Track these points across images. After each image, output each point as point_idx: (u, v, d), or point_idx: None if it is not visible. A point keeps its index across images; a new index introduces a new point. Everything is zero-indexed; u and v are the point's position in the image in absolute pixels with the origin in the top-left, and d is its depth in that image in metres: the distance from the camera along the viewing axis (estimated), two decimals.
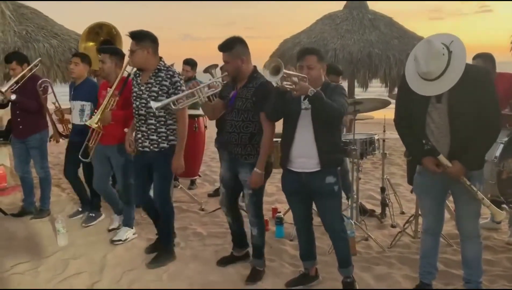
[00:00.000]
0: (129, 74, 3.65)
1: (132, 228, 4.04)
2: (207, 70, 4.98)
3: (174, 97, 3.07)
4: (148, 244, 3.79)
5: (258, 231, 3.20)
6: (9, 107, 4.55)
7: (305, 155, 2.78)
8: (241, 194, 3.46)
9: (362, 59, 7.21)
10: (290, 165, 2.87)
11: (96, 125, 3.54)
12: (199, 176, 5.94)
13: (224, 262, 3.44)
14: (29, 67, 4.37)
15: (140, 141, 3.36)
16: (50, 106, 4.52)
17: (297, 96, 2.68)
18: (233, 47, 2.98)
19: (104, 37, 4.49)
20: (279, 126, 3.00)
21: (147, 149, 3.34)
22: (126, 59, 3.63)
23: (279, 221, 3.96)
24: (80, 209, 4.57)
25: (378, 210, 4.54)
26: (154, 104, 2.98)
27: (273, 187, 5.67)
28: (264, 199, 5.01)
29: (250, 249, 3.44)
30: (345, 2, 8.44)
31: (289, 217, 4.21)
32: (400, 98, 2.85)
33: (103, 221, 4.42)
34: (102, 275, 3.27)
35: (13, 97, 4.20)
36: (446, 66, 2.43)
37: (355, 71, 7.29)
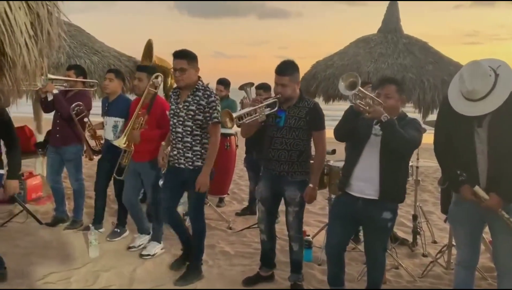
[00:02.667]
0: (155, 93, 3.76)
1: (160, 243, 4.10)
2: (242, 88, 5.07)
3: (242, 111, 3.12)
4: (173, 260, 3.82)
5: (299, 247, 3.33)
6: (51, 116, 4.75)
7: (366, 180, 2.79)
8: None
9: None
10: (349, 188, 2.88)
11: (124, 145, 3.63)
12: (228, 194, 5.98)
13: (250, 282, 3.44)
14: (84, 80, 4.61)
15: (176, 157, 3.44)
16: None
17: (369, 119, 2.70)
18: (294, 72, 3.13)
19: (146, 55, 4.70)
20: None
21: (182, 166, 3.41)
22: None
23: (308, 245, 3.93)
24: (117, 231, 4.48)
25: (409, 238, 4.44)
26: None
27: None
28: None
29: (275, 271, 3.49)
30: (379, 25, 8.42)
31: (317, 241, 4.19)
32: (440, 123, 2.81)
33: (134, 235, 4.48)
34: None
35: (55, 91, 4.37)
36: (491, 87, 2.41)
37: None
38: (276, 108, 3.12)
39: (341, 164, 3.81)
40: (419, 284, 3.48)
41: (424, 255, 4.10)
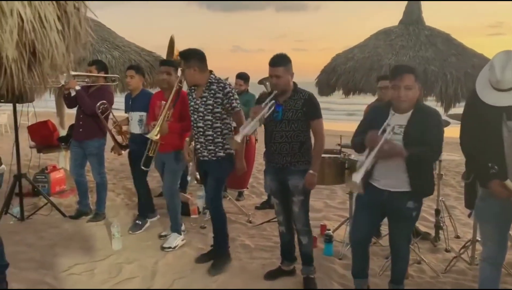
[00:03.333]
0: (180, 87, 3.81)
1: (181, 235, 4.14)
2: (261, 82, 5.07)
3: (247, 130, 3.05)
4: (198, 253, 3.87)
5: (308, 240, 3.31)
6: (74, 111, 4.83)
7: (391, 176, 2.77)
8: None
9: (417, 76, 7.01)
10: (373, 181, 2.87)
11: (157, 138, 3.67)
12: (247, 188, 5.99)
13: (272, 275, 3.45)
14: (106, 75, 4.68)
15: (199, 151, 3.54)
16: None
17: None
18: (287, 63, 3.14)
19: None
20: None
21: (206, 158, 3.52)
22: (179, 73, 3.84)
23: (329, 239, 3.91)
24: (139, 223, 4.53)
25: (431, 233, 4.38)
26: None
27: (321, 203, 5.62)
28: (311, 215, 5.02)
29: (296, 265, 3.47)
30: (400, 17, 8.28)
31: (338, 235, 4.17)
32: (468, 115, 2.74)
33: (154, 227, 4.55)
34: (154, 281, 3.36)
35: (77, 87, 4.45)
36: None
37: None
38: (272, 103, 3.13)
39: (362, 158, 3.78)
40: (442, 280, 3.43)
41: (447, 250, 4.03)
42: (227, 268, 3.54)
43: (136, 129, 4.40)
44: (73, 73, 4.37)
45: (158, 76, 3.95)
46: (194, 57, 3.40)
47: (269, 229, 4.59)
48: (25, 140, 6.15)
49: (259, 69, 5.85)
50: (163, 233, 4.30)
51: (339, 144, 4.19)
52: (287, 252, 3.51)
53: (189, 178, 3.81)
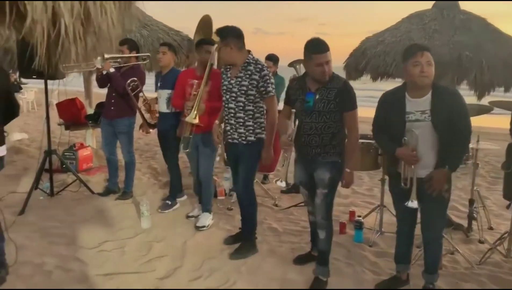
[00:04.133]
0: (211, 64, 3.74)
1: (211, 214, 4.15)
2: (291, 65, 4.97)
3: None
4: (226, 235, 3.86)
5: (326, 235, 3.05)
6: (101, 90, 4.84)
7: (423, 166, 2.70)
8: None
9: (451, 61, 6.77)
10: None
11: (196, 121, 3.62)
12: (273, 170, 5.93)
13: (301, 260, 3.40)
14: (137, 55, 4.66)
15: (229, 133, 3.45)
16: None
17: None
18: (329, 48, 2.91)
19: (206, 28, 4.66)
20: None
21: (236, 141, 3.42)
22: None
23: (359, 226, 3.84)
24: (169, 203, 4.54)
25: (463, 223, 4.27)
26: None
27: (348, 190, 5.50)
28: (339, 201, 4.97)
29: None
30: (434, 1, 7.99)
31: (367, 222, 4.10)
32: None
33: (182, 207, 4.56)
34: (183, 261, 3.36)
35: (112, 70, 4.44)
36: None
37: (442, 74, 6.88)
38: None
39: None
40: (477, 271, 3.33)
41: (480, 242, 3.92)
42: (249, 255, 3.46)
43: (163, 108, 4.37)
44: (107, 56, 4.34)
45: (202, 55, 3.84)
46: (232, 34, 3.28)
47: (296, 213, 4.55)
48: (53, 117, 6.21)
49: (281, 52, 5.76)
50: (190, 214, 4.31)
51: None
52: (317, 238, 3.44)
53: (217, 158, 3.76)
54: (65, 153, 5.81)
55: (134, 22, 6.33)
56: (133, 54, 4.62)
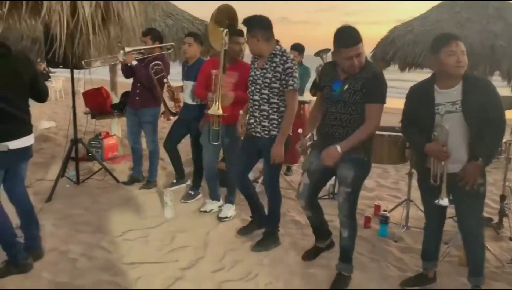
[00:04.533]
0: (225, 51, 3.60)
1: (233, 205, 4.14)
2: (318, 54, 4.85)
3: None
4: (241, 226, 3.83)
5: (349, 233, 2.91)
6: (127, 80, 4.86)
7: (454, 161, 2.59)
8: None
9: (483, 51, 6.52)
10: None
11: (220, 112, 3.54)
12: (297, 162, 5.87)
13: (310, 256, 3.31)
14: (160, 45, 4.64)
15: (252, 126, 3.38)
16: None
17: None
18: (361, 37, 2.72)
19: (227, 19, 4.57)
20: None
21: (258, 135, 3.35)
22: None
23: (385, 220, 3.75)
24: (174, 181, 4.71)
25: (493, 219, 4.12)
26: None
27: (373, 183, 5.43)
28: (363, 194, 4.87)
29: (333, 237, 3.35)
30: None
31: (393, 217, 4.00)
32: None
33: (207, 198, 4.55)
34: (206, 251, 3.36)
35: (134, 62, 4.43)
36: None
37: (473, 64, 6.64)
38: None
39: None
40: (508, 270, 3.22)
41: (511, 239, 3.78)
42: (271, 248, 3.43)
43: (188, 99, 4.36)
44: (127, 49, 4.31)
45: (234, 46, 3.79)
46: (259, 25, 3.19)
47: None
48: (79, 106, 6.30)
49: (306, 41, 5.63)
50: (201, 209, 4.24)
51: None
52: (320, 231, 3.32)
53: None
54: (91, 142, 5.89)
55: (158, 11, 6.33)
56: (156, 45, 4.60)
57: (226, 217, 3.97)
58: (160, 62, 4.51)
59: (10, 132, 2.79)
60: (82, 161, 5.40)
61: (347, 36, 2.67)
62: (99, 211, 4.11)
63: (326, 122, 2.87)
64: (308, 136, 3.00)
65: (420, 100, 2.69)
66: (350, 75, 2.76)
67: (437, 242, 2.94)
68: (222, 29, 4.52)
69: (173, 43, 5.02)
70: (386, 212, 3.83)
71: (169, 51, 4.80)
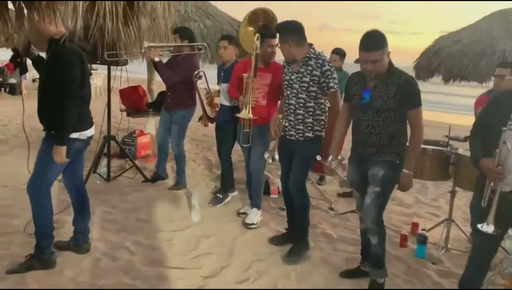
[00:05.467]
0: (257, 55, 3.53)
1: (260, 211, 4.00)
2: (358, 61, 4.66)
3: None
4: (274, 235, 3.70)
5: (378, 240, 2.87)
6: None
7: (508, 180, 2.30)
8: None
9: None
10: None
11: (250, 116, 3.51)
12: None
13: (350, 275, 3.13)
14: (189, 44, 4.55)
15: (287, 129, 3.30)
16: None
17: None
18: (384, 43, 2.65)
19: (262, 22, 4.45)
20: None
21: (293, 138, 3.27)
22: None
23: (423, 240, 3.50)
24: (220, 196, 4.43)
25: None
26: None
27: (411, 198, 5.15)
28: (401, 210, 4.61)
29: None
30: None
31: (431, 236, 3.73)
32: None
33: (233, 202, 4.44)
34: (231, 260, 3.23)
35: (157, 59, 4.37)
36: None
37: None
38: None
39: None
40: None
41: None
42: (304, 257, 3.31)
43: (225, 101, 4.27)
44: (146, 44, 4.25)
45: (267, 49, 3.69)
46: (290, 30, 3.12)
47: (353, 219, 4.26)
48: (115, 103, 6.33)
49: (347, 49, 5.44)
50: (241, 210, 4.17)
51: (446, 136, 3.71)
52: (368, 252, 3.10)
53: (266, 155, 3.59)
54: (125, 139, 5.91)
55: (192, 9, 6.28)
56: (184, 44, 4.53)
57: (252, 224, 3.84)
58: (202, 70, 4.50)
59: (90, 120, 2.97)
60: (114, 158, 5.41)
61: (366, 40, 2.64)
62: (127, 210, 4.07)
63: (358, 130, 2.85)
64: (330, 158, 2.94)
65: (498, 110, 2.41)
66: (378, 83, 2.70)
67: (482, 274, 2.59)
68: (251, 28, 4.44)
69: (204, 43, 4.93)
70: (425, 232, 3.57)
71: (200, 51, 4.70)
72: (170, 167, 5.62)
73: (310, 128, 3.21)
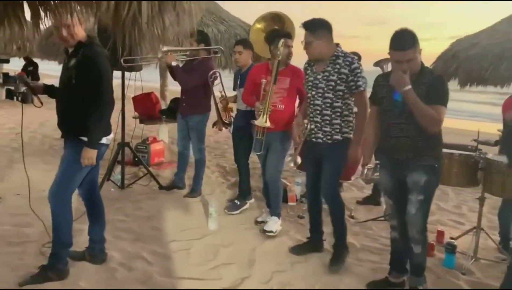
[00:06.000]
0: (278, 62, 3.49)
1: (280, 219, 3.87)
2: (377, 64, 4.57)
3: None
4: (295, 244, 3.55)
5: (422, 250, 2.78)
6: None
7: None
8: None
9: None
10: None
11: (267, 124, 3.45)
12: (350, 179, 5.52)
13: (376, 286, 2.98)
14: (205, 48, 4.48)
15: (313, 132, 3.18)
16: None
17: None
18: (416, 41, 2.56)
19: (277, 26, 4.37)
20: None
21: (320, 141, 3.14)
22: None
23: (451, 249, 3.34)
24: (237, 203, 4.32)
25: None
26: None
27: (432, 205, 4.95)
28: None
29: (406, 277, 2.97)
30: None
31: (461, 244, 3.56)
32: None
33: (250, 210, 4.32)
34: (252, 271, 3.09)
35: (174, 63, 4.29)
36: None
37: None
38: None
39: (504, 158, 3.15)
40: None
41: None
42: (346, 259, 3.24)
43: (242, 106, 4.17)
44: (167, 49, 4.17)
45: (285, 50, 3.59)
46: (320, 25, 3.02)
47: (375, 228, 4.11)
48: (128, 110, 6.28)
49: None
50: (259, 219, 4.04)
51: (475, 140, 3.56)
52: (398, 262, 2.99)
53: (288, 158, 3.48)
54: (138, 146, 5.82)
55: (207, 14, 6.19)
56: (201, 47, 4.45)
57: (271, 231, 3.69)
58: (217, 71, 4.45)
59: (110, 125, 2.90)
60: (127, 165, 5.32)
61: (398, 38, 2.56)
62: (142, 218, 3.97)
63: (390, 135, 2.72)
64: (366, 168, 2.84)
65: None
66: (411, 83, 2.55)
67: None
68: (263, 31, 4.34)
69: (220, 47, 4.85)
70: (453, 240, 3.41)
71: (216, 55, 4.61)
72: (186, 175, 5.55)
73: (338, 130, 3.09)
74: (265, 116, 3.46)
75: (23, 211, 3.87)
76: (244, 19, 6.89)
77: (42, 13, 2.25)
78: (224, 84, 4.62)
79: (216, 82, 4.51)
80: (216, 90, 4.62)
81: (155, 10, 1.65)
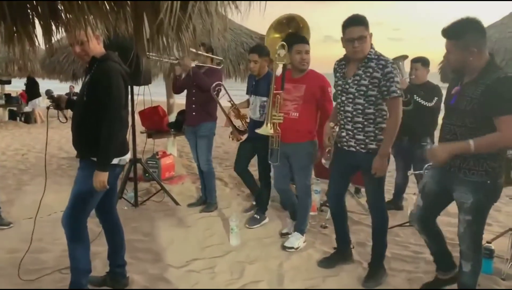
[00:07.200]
0: (284, 66, 3.39)
1: (303, 236, 3.69)
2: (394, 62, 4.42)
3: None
4: (323, 257, 3.39)
5: (471, 269, 2.52)
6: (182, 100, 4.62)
7: None
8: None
9: None
10: None
11: (272, 132, 3.34)
12: None
13: (430, 286, 2.86)
14: (212, 56, 4.39)
15: (344, 140, 3.00)
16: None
17: None
18: (463, 34, 2.32)
19: (292, 29, 4.24)
20: None
21: (352, 149, 2.96)
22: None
23: (489, 254, 3.18)
24: (257, 217, 4.16)
25: None
26: None
27: (454, 206, 4.81)
28: (448, 221, 4.29)
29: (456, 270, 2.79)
30: None
31: (498, 247, 3.40)
32: None
33: (271, 222, 4.17)
34: (283, 288, 2.93)
35: (193, 64, 4.16)
36: None
37: None
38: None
39: None
40: None
41: None
42: (383, 282, 3.02)
43: (256, 114, 4.03)
44: (192, 50, 4.05)
45: (295, 56, 3.43)
46: (366, 23, 2.83)
47: (402, 234, 3.95)
48: (136, 125, 6.17)
49: None
50: (284, 231, 3.88)
51: None
52: (442, 260, 2.86)
53: (323, 161, 3.32)
54: (148, 161, 5.68)
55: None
56: (210, 55, 4.36)
57: (291, 248, 3.51)
58: (221, 83, 4.34)
59: (127, 145, 2.78)
60: (139, 182, 5.18)
61: (448, 26, 2.38)
62: (159, 237, 3.81)
63: (442, 136, 2.55)
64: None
65: None
66: (469, 80, 2.38)
67: None
68: (278, 35, 4.21)
69: (222, 58, 4.75)
70: (490, 245, 3.25)
71: (219, 66, 4.49)
72: (195, 187, 5.41)
73: (372, 138, 2.89)
74: (269, 124, 3.35)
75: (37, 236, 3.72)
76: (249, 26, 6.78)
77: (54, 29, 2.14)
78: (230, 93, 4.50)
79: (221, 94, 4.39)
80: (224, 101, 4.50)
81: (195, 13, 1.52)
